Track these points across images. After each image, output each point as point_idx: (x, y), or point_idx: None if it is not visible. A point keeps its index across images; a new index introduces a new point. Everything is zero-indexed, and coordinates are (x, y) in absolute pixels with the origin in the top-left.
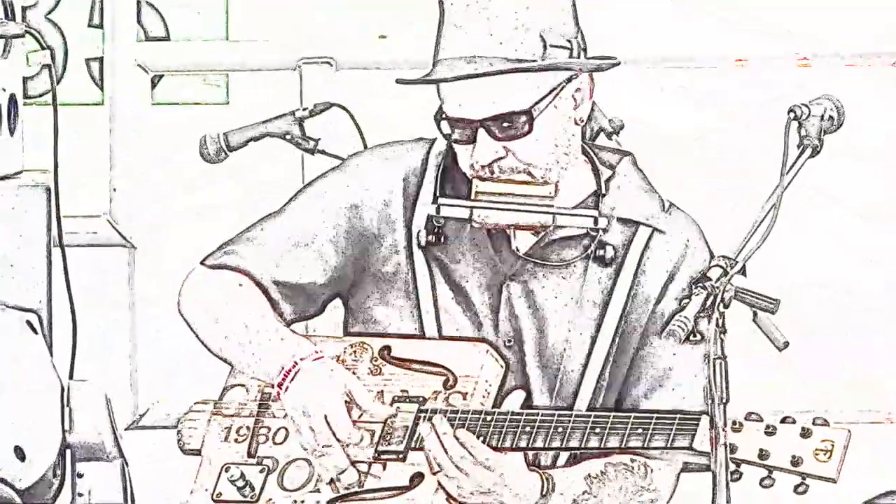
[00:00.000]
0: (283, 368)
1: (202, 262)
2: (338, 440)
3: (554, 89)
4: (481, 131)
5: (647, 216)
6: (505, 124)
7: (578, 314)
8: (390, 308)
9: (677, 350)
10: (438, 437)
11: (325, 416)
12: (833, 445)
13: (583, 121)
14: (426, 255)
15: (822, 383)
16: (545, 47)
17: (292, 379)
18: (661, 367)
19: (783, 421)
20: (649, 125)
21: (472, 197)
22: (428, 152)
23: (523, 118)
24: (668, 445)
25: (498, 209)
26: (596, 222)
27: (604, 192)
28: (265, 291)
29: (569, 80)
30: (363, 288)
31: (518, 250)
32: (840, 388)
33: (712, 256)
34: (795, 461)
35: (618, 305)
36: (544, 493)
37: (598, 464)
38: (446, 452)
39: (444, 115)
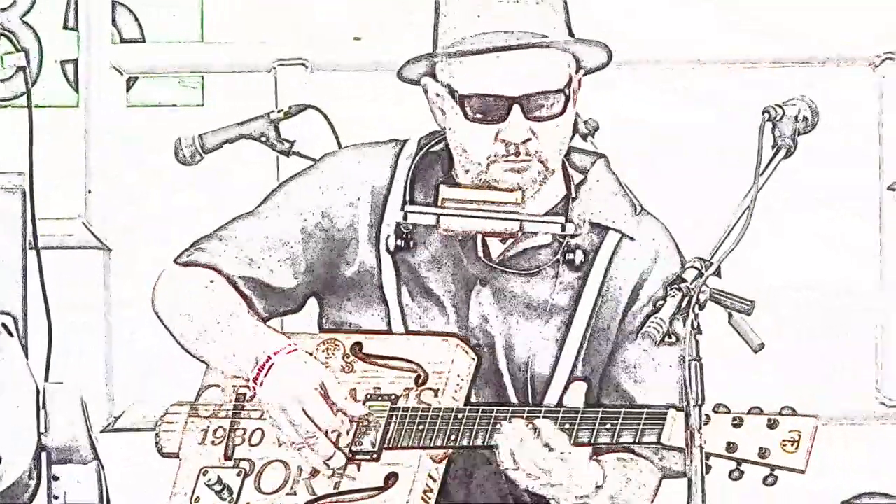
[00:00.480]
0: (257, 362)
1: (175, 261)
2: (319, 428)
3: (570, 78)
4: (516, 108)
5: (618, 222)
6: (541, 104)
7: (547, 317)
8: (360, 311)
9: (649, 353)
10: (518, 430)
11: (304, 409)
12: (800, 436)
13: (568, 161)
14: (395, 259)
15: (798, 384)
16: (569, 32)
17: (266, 373)
18: (633, 371)
19: (750, 412)
20: (624, 125)
21: (439, 203)
22: (398, 155)
23: (560, 97)
24: (637, 440)
25: (464, 216)
26: (563, 228)
27: (574, 196)
28: (236, 287)
29: (575, 72)
30: (334, 289)
31: (488, 257)
32: (816, 388)
33: (683, 263)
34: (763, 453)
35: (586, 309)
36: (598, 485)
37: (613, 459)
38: (524, 445)
39: (465, 94)
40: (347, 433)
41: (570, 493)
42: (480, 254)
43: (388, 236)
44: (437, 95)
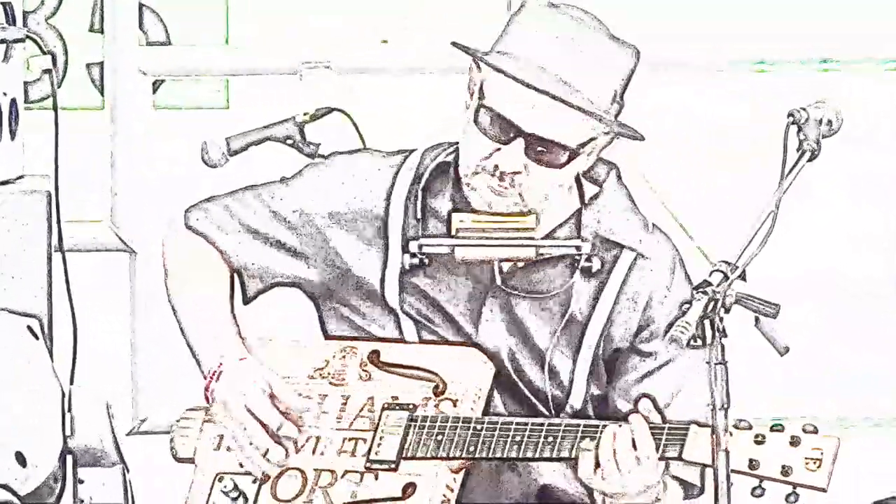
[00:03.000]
0: (210, 371)
1: (185, 212)
2: (258, 421)
3: (591, 139)
4: (519, 141)
5: (632, 240)
6: (547, 149)
7: (561, 327)
8: (371, 321)
9: (664, 364)
10: (628, 437)
11: (244, 403)
12: (822, 454)
13: (582, 171)
14: (401, 278)
15: (824, 387)
16: (614, 99)
17: (217, 380)
18: (645, 379)
19: (772, 429)
20: (649, 127)
21: (453, 233)
22: (398, 169)
23: (566, 154)
24: (659, 457)
25: (479, 245)
26: (579, 249)
27: (587, 209)
28: (230, 263)
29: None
30: (335, 295)
31: (499, 269)
32: (841, 393)
33: (690, 280)
34: (785, 471)
35: (600, 319)
36: (657, 498)
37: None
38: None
39: (484, 104)
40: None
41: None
42: (489, 268)
43: (404, 257)
44: (472, 81)
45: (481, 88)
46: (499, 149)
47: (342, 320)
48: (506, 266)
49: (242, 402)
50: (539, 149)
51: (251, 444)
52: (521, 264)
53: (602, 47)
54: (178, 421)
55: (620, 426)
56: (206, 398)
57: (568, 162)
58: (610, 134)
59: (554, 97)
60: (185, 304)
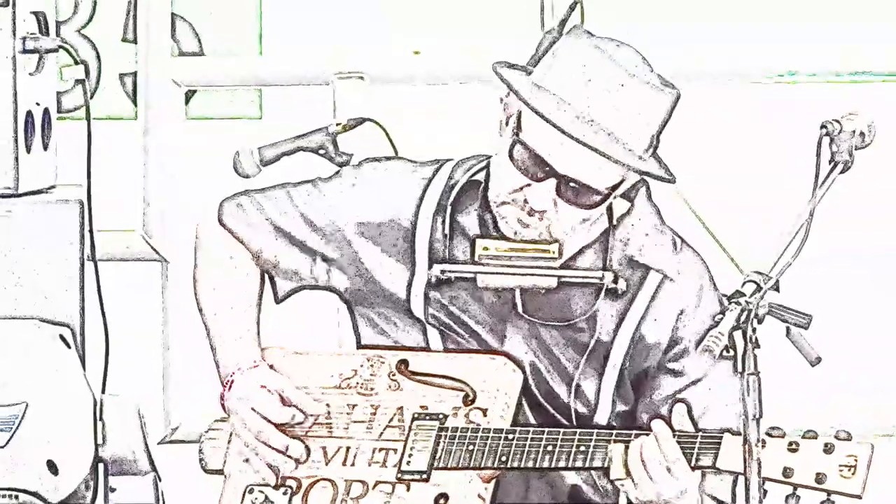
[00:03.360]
0: (225, 378)
1: (220, 204)
2: (269, 421)
3: (623, 179)
4: (551, 181)
5: (660, 262)
6: (579, 191)
7: (587, 347)
8: (399, 329)
9: (691, 384)
10: (655, 446)
11: (252, 406)
12: (857, 461)
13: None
14: (427, 294)
15: (856, 398)
16: (650, 147)
17: (229, 388)
18: (673, 399)
19: (805, 436)
20: (683, 140)
21: (476, 259)
22: (429, 183)
23: (598, 197)
24: (693, 466)
25: (502, 273)
26: (602, 279)
27: (616, 231)
28: (259, 259)
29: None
30: (364, 301)
31: (521, 300)
32: (873, 402)
33: (720, 299)
34: (820, 478)
35: (625, 339)
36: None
37: None
38: (664, 457)
39: (520, 139)
40: (396, 453)
41: None
42: (513, 292)
43: (429, 272)
44: (507, 105)
45: (518, 119)
46: (529, 184)
47: (372, 325)
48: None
49: (249, 405)
50: (571, 190)
51: (266, 444)
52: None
53: (644, 93)
54: (206, 432)
55: (648, 435)
56: (223, 407)
57: (598, 203)
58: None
59: (594, 149)
60: (210, 303)
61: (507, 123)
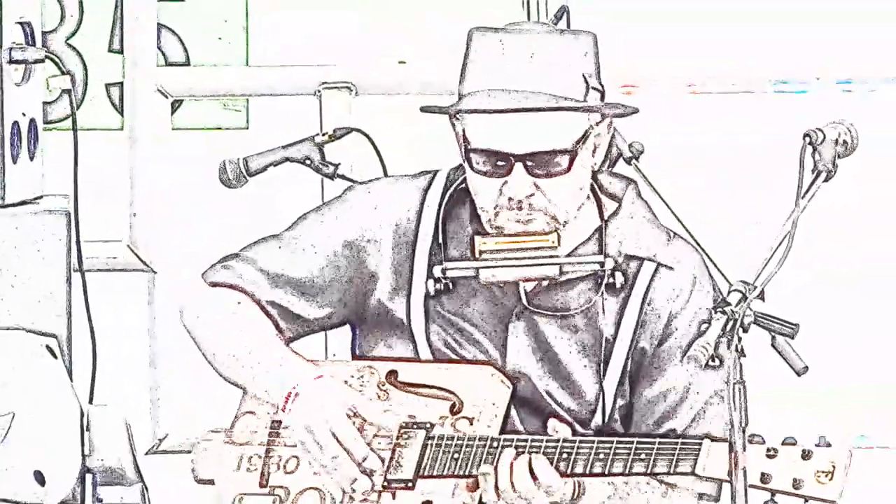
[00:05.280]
0: (284, 391)
1: (203, 275)
2: (345, 450)
3: (586, 132)
4: (518, 166)
5: (653, 253)
6: (546, 162)
7: (588, 344)
8: (393, 345)
9: (689, 379)
10: (512, 466)
11: (330, 429)
12: (834, 467)
13: (596, 167)
14: (426, 302)
15: (842, 408)
16: (587, 89)
17: (293, 401)
18: (672, 398)
19: (784, 443)
20: (667, 149)
21: (476, 256)
22: (426, 191)
23: (566, 157)
24: (672, 471)
25: (504, 266)
26: (602, 265)
27: (608, 225)
28: (263, 310)
29: (596, 124)
30: (367, 321)
31: (523, 298)
32: (860, 412)
33: (716, 286)
34: (797, 484)
35: (627, 334)
36: (574, 497)
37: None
38: (516, 482)
39: (471, 147)
40: (383, 461)
41: None
42: (515, 289)
43: (427, 281)
44: (457, 136)
45: (464, 136)
46: (504, 182)
47: (369, 344)
48: (529, 286)
49: (327, 428)
50: (541, 162)
51: (336, 470)
52: (544, 285)
53: (551, 44)
54: (198, 442)
55: (519, 455)
56: (279, 423)
57: (571, 163)
58: (603, 122)
59: (517, 110)
60: (234, 351)
61: (461, 149)
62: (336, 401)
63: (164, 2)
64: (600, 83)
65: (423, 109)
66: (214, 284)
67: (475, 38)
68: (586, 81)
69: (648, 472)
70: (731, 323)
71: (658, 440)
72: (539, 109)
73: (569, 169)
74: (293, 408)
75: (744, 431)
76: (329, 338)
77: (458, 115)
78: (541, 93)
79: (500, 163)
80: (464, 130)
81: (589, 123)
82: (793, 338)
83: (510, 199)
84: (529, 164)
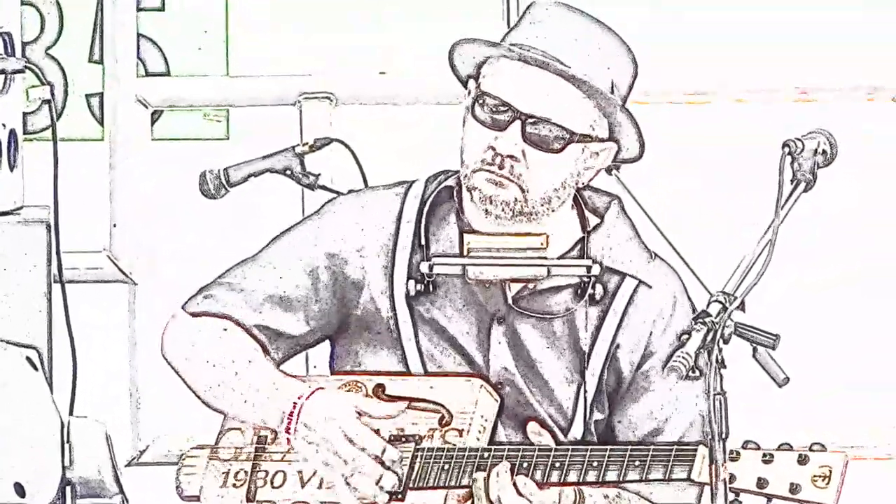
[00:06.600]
0: (284, 413)
1: (183, 307)
2: (362, 450)
3: (591, 135)
4: (516, 124)
5: (634, 268)
6: (544, 130)
7: (566, 353)
8: (377, 355)
9: (668, 393)
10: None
11: (342, 432)
12: (831, 471)
13: (581, 183)
14: (410, 304)
15: (825, 418)
16: (611, 89)
17: (297, 419)
18: (651, 409)
19: (780, 448)
20: (647, 159)
21: (464, 252)
22: (405, 197)
23: (564, 136)
24: (667, 477)
25: (491, 265)
26: (589, 270)
27: (590, 239)
28: (250, 334)
29: (601, 141)
30: (348, 332)
31: (505, 296)
32: (843, 422)
33: (695, 309)
34: (794, 488)
35: (604, 345)
36: None
37: (612, 489)
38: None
39: (482, 91)
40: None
41: None
42: (499, 291)
43: (409, 282)
44: (469, 93)
45: (478, 81)
46: (496, 137)
47: (350, 357)
48: (514, 289)
49: (340, 432)
50: (538, 130)
51: (361, 473)
52: (528, 289)
53: (602, 37)
54: (183, 459)
55: (502, 469)
56: (288, 441)
57: (564, 149)
58: (607, 149)
59: (543, 65)
60: (224, 379)
61: (469, 94)
62: (340, 405)
63: (144, 12)
64: (625, 104)
65: (461, 41)
66: (198, 315)
67: (534, 7)
68: (612, 84)
69: (643, 479)
70: (711, 334)
71: (652, 447)
72: (571, 78)
73: (560, 151)
74: (299, 427)
75: (724, 442)
76: (310, 356)
77: (489, 59)
78: (567, 64)
79: (500, 114)
80: (478, 74)
81: (591, 127)
82: (774, 349)
83: (495, 154)
84: (527, 127)
